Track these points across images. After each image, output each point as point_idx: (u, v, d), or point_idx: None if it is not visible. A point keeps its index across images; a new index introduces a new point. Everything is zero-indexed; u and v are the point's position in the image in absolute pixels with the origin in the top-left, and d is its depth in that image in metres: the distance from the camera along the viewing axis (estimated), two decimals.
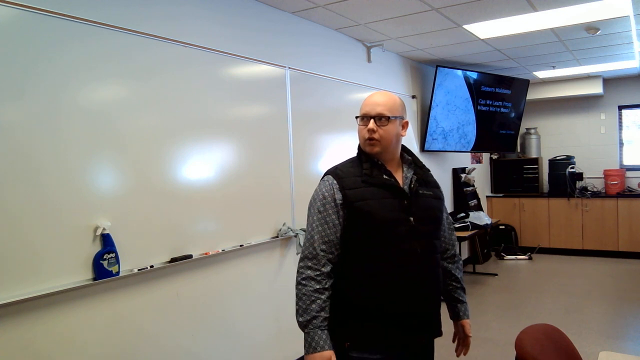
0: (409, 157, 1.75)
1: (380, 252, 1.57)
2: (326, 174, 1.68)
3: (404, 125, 1.71)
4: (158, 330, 2.43)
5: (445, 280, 1.85)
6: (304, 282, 1.55)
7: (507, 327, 4.07)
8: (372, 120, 1.63)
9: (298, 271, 1.58)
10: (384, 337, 1.57)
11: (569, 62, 5.63)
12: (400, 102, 1.70)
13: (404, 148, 1.76)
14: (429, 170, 1.77)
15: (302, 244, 1.64)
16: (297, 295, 1.56)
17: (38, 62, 1.93)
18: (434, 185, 1.76)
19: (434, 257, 1.67)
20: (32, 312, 1.91)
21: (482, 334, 3.95)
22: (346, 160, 1.72)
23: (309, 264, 1.56)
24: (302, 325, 1.53)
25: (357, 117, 1.69)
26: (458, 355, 1.82)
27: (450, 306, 1.89)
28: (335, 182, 1.62)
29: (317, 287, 1.54)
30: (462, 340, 1.86)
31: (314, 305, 1.52)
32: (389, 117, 1.63)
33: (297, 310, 1.55)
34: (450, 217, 1.89)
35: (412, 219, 1.60)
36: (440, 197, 1.75)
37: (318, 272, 1.55)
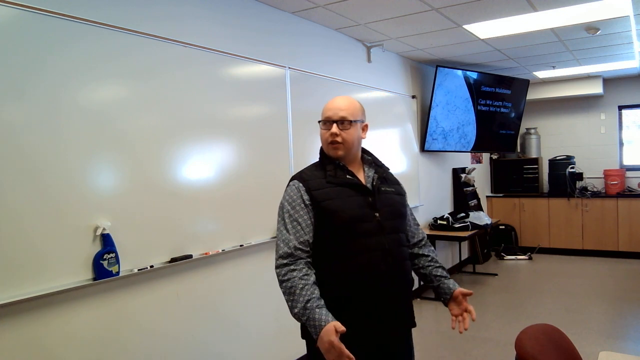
0: (369, 157, 1.81)
1: (349, 249, 1.61)
2: (292, 179, 1.72)
3: (364, 129, 1.78)
4: (158, 330, 2.43)
5: (422, 264, 1.84)
6: (285, 277, 1.56)
7: (507, 327, 4.07)
8: (334, 125, 1.69)
9: (278, 273, 1.59)
10: (358, 332, 1.56)
11: (569, 62, 5.63)
12: (360, 107, 1.76)
13: (363, 149, 1.82)
14: (388, 169, 1.84)
15: (277, 241, 1.65)
16: (284, 292, 1.56)
17: (38, 62, 1.93)
18: (395, 182, 1.83)
19: (401, 249, 1.72)
20: (32, 312, 1.91)
21: (482, 334, 3.95)
22: (310, 165, 1.78)
23: (286, 261, 1.58)
24: (300, 315, 1.51)
25: (319, 122, 1.74)
26: (467, 328, 1.71)
27: (437, 287, 1.80)
28: (301, 185, 1.67)
29: (301, 274, 1.55)
30: (463, 312, 1.73)
31: (304, 291, 1.51)
32: (351, 121, 1.69)
33: (290, 307, 1.54)
34: (413, 213, 1.93)
35: (377, 214, 1.66)
36: (401, 193, 1.83)
37: (297, 264, 1.57)
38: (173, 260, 2.46)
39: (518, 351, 1.52)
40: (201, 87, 2.66)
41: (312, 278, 1.56)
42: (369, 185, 1.72)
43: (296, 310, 1.51)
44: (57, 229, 1.97)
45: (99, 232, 2.10)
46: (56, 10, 1.99)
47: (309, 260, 1.61)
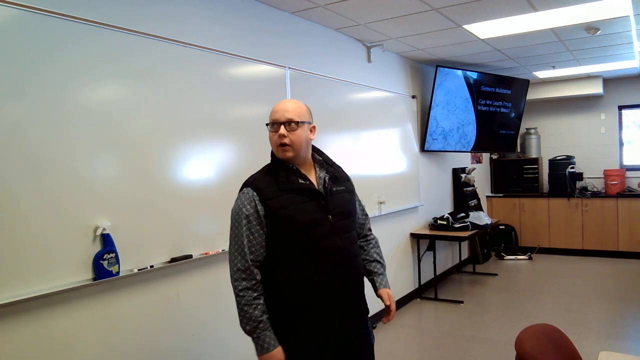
0: (320, 157, 1.85)
1: (307, 253, 1.68)
2: (245, 185, 1.75)
3: (312, 130, 1.81)
4: (158, 330, 2.43)
5: (362, 258, 1.95)
6: (242, 293, 1.65)
7: (507, 327, 4.07)
8: (282, 126, 1.70)
9: (233, 283, 1.68)
10: (320, 328, 1.68)
11: (569, 62, 5.63)
12: (307, 108, 1.80)
13: (314, 148, 1.86)
14: (339, 167, 1.88)
15: (230, 253, 1.70)
16: (238, 305, 1.66)
17: (38, 62, 1.93)
18: (345, 179, 1.88)
19: (353, 246, 1.80)
20: (32, 312, 1.91)
21: (482, 334, 3.95)
22: (262, 170, 1.80)
23: (243, 275, 1.66)
24: (250, 332, 1.64)
25: (267, 124, 1.76)
26: (384, 323, 2.01)
27: (370, 280, 1.95)
28: (255, 194, 1.69)
29: (255, 294, 1.65)
30: (386, 310, 1.91)
31: (256, 312, 1.64)
32: (297, 122, 1.71)
33: (241, 320, 1.65)
34: (360, 201, 1.99)
35: (330, 217, 1.72)
36: (351, 190, 1.89)
37: (253, 282, 1.66)
38: (173, 260, 2.46)
39: (518, 351, 1.52)
40: (201, 87, 2.66)
41: (262, 297, 1.68)
42: (320, 188, 1.76)
43: (248, 328, 1.64)
44: (57, 229, 1.97)
45: (99, 232, 2.11)
46: (56, 10, 1.99)
47: (260, 266, 1.70)
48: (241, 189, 1.75)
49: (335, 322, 1.71)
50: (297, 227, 1.67)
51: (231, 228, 1.72)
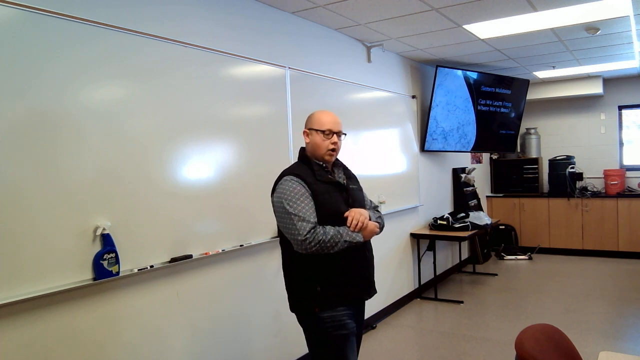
0: (338, 161, 2.19)
1: None
2: (284, 175, 2.03)
3: None
4: (158, 330, 2.43)
5: None
6: (317, 238, 1.87)
7: (507, 327, 4.07)
8: (335, 136, 2.08)
9: (309, 245, 1.87)
10: (346, 294, 2.02)
11: (569, 62, 5.63)
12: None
13: None
14: (349, 170, 2.24)
15: (292, 228, 1.91)
16: (324, 244, 1.88)
17: (39, 62, 1.93)
18: (356, 179, 2.24)
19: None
20: (32, 312, 1.91)
21: (482, 334, 3.95)
22: (293, 166, 2.12)
23: (309, 228, 1.88)
24: (345, 241, 1.92)
25: (313, 130, 2.08)
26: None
27: None
28: (299, 179, 1.99)
29: (321, 230, 1.90)
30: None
31: (331, 232, 1.91)
32: (344, 134, 2.15)
33: (333, 246, 1.90)
34: (367, 196, 2.31)
35: (345, 207, 2.04)
36: (361, 188, 2.24)
37: (323, 228, 1.93)
38: (173, 260, 2.46)
39: (518, 351, 1.52)
40: (201, 87, 2.66)
41: (324, 227, 1.94)
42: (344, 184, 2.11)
43: (344, 240, 1.92)
44: (57, 228, 1.97)
45: (99, 232, 2.11)
46: (56, 10, 1.99)
47: None
48: (281, 178, 2.03)
49: (356, 288, 2.06)
50: (330, 212, 1.97)
51: (285, 209, 1.93)
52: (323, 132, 2.07)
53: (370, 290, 2.13)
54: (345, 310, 2.02)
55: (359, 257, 2.05)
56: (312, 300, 1.99)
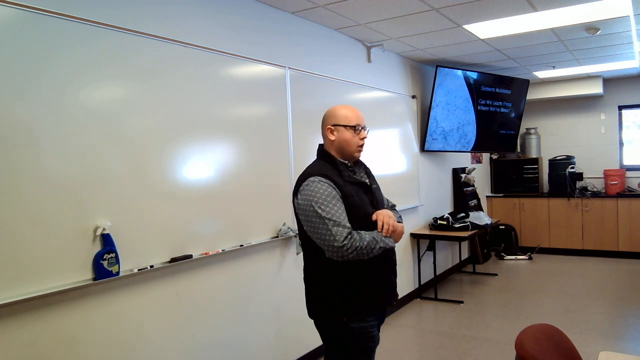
0: (359, 159, 2.07)
1: None
2: (310, 175, 1.87)
3: None
4: (158, 330, 2.43)
5: None
6: (355, 244, 1.75)
7: (507, 327, 4.07)
8: (363, 131, 1.97)
9: (346, 251, 1.74)
10: (377, 300, 1.93)
11: (569, 62, 5.63)
12: None
13: None
14: (368, 168, 2.11)
15: (326, 234, 1.77)
16: (362, 254, 1.77)
17: (39, 62, 1.93)
18: (374, 177, 2.10)
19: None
20: (32, 312, 1.92)
21: (482, 334, 3.95)
22: (317, 165, 1.96)
23: (346, 234, 1.76)
24: (380, 247, 1.82)
25: (344, 126, 1.94)
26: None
27: None
28: (328, 181, 1.84)
29: (358, 235, 1.79)
30: None
31: (367, 237, 1.79)
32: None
33: (369, 252, 1.79)
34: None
35: (374, 210, 1.93)
36: (379, 187, 2.11)
37: (358, 233, 1.81)
38: (173, 260, 2.46)
39: (518, 351, 1.52)
40: (201, 87, 2.66)
41: (359, 233, 1.82)
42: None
43: (378, 247, 1.81)
44: (57, 228, 1.97)
45: (99, 232, 2.11)
46: (56, 10, 1.99)
47: None
48: (306, 179, 1.87)
49: (384, 295, 1.96)
50: (359, 215, 1.86)
51: (316, 213, 1.78)
52: (353, 127, 1.94)
53: (395, 295, 2.03)
54: (374, 321, 1.94)
55: (388, 261, 1.96)
56: (341, 309, 1.88)
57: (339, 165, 1.92)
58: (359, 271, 1.85)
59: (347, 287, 1.86)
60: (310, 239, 1.86)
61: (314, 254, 1.90)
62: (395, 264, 2.02)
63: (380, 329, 2.04)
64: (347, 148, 1.95)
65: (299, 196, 1.87)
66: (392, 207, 2.15)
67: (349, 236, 1.75)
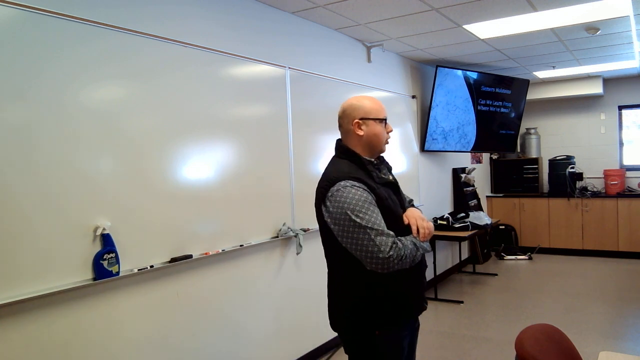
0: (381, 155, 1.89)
1: None
2: (339, 179, 1.67)
3: None
4: (158, 330, 2.43)
5: None
6: (400, 253, 1.60)
7: (507, 327, 4.07)
8: (389, 124, 1.81)
9: (390, 259, 1.58)
10: (410, 311, 1.77)
11: (569, 62, 5.63)
12: None
13: None
14: (388, 163, 1.94)
15: (369, 245, 1.61)
16: (405, 263, 1.63)
17: (38, 62, 1.93)
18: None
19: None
20: (32, 312, 1.92)
21: (482, 334, 3.95)
22: (342, 165, 1.74)
23: (391, 243, 1.60)
24: (420, 253, 1.70)
25: (374, 119, 1.77)
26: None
27: None
28: (362, 184, 1.66)
29: (402, 241, 1.65)
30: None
31: (410, 246, 1.65)
32: None
33: (413, 259, 1.67)
34: None
35: (402, 210, 1.79)
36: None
37: (401, 241, 1.65)
38: (173, 260, 2.46)
39: (518, 351, 1.52)
40: (201, 87, 2.66)
41: (400, 240, 1.67)
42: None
43: (417, 258, 1.69)
44: (57, 228, 1.97)
45: (99, 232, 2.11)
46: (56, 10, 1.99)
47: None
48: (334, 183, 1.67)
49: (418, 302, 1.80)
50: (394, 217, 1.70)
51: (354, 222, 1.60)
52: (383, 120, 1.78)
53: (426, 300, 1.88)
54: (405, 331, 1.78)
55: (422, 265, 1.81)
56: (374, 322, 1.70)
57: (366, 165, 1.73)
58: (395, 280, 1.68)
59: (381, 299, 1.69)
60: (337, 249, 1.68)
61: (343, 265, 1.72)
62: (426, 267, 1.86)
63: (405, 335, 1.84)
64: (377, 143, 1.78)
65: (328, 204, 1.66)
66: (411, 203, 1.96)
67: (394, 245, 1.59)
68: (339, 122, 1.85)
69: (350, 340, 1.78)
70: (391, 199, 1.73)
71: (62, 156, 2.00)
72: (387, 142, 1.82)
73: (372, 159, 1.78)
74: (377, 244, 1.57)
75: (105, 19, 2.18)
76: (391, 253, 1.57)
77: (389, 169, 1.89)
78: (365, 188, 1.65)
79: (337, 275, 1.80)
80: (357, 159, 1.75)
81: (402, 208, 1.79)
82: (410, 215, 1.74)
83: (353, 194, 1.62)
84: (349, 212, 1.60)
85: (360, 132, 1.76)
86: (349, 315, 1.74)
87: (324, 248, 1.81)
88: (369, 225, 1.58)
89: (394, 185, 1.80)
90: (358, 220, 1.59)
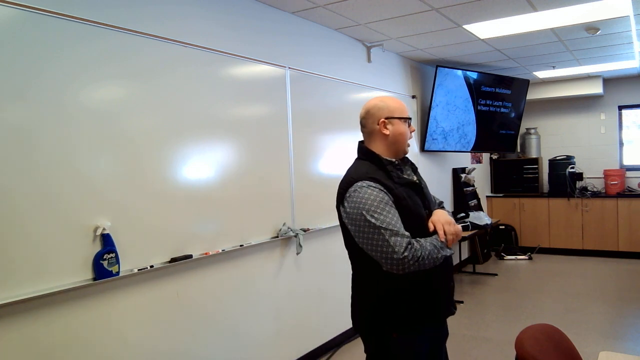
0: (405, 156, 1.88)
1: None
2: (356, 180, 1.67)
3: None
4: (158, 330, 2.43)
5: None
6: (416, 254, 1.58)
7: (507, 327, 4.07)
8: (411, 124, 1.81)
9: (408, 258, 1.56)
10: (433, 313, 1.73)
11: (569, 62, 5.63)
12: None
13: None
14: (414, 164, 1.91)
15: (383, 245, 1.59)
16: (423, 265, 1.60)
17: (38, 62, 1.93)
18: (419, 174, 1.90)
19: None
20: (32, 312, 1.92)
21: (482, 334, 3.95)
22: (361, 167, 1.75)
23: (406, 244, 1.58)
24: (442, 255, 1.65)
25: (399, 118, 1.77)
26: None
27: None
28: (378, 185, 1.65)
29: (417, 244, 1.61)
30: None
31: (428, 247, 1.61)
32: None
33: (435, 261, 1.63)
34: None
35: (427, 211, 1.75)
36: (426, 184, 1.90)
37: (418, 242, 1.63)
38: (173, 260, 2.46)
39: (518, 351, 1.52)
40: (201, 87, 2.66)
41: (419, 241, 1.64)
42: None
43: (438, 260, 1.64)
44: (57, 228, 1.97)
45: (99, 232, 2.11)
46: (56, 10, 1.99)
47: None
48: (351, 184, 1.67)
49: (443, 305, 1.77)
50: (413, 218, 1.68)
51: (369, 223, 1.60)
52: (407, 119, 1.79)
53: (454, 303, 1.85)
54: (426, 336, 1.75)
55: (447, 266, 1.76)
56: (391, 323, 1.69)
57: (386, 165, 1.72)
58: (416, 281, 1.66)
59: (400, 300, 1.68)
60: (357, 249, 1.69)
61: (364, 266, 1.72)
62: (452, 269, 1.84)
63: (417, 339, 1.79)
64: (402, 142, 1.78)
65: (345, 204, 1.67)
66: (441, 205, 1.93)
67: (409, 246, 1.57)
68: (361, 124, 1.83)
69: (368, 341, 1.78)
70: (411, 199, 1.70)
71: (62, 156, 2.00)
72: (409, 142, 1.82)
73: (394, 160, 1.77)
74: (391, 245, 1.57)
75: (106, 19, 2.18)
76: (406, 254, 1.56)
77: (414, 169, 1.87)
78: (382, 188, 1.64)
79: (357, 276, 1.81)
80: (377, 160, 1.74)
81: (427, 209, 1.76)
82: (436, 220, 1.70)
83: (369, 194, 1.62)
84: (364, 213, 1.60)
85: (386, 131, 1.76)
86: (367, 315, 1.74)
87: (346, 249, 1.80)
88: (384, 226, 1.58)
89: (416, 186, 1.76)
90: (373, 220, 1.59)
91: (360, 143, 1.85)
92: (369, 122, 1.79)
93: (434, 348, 1.81)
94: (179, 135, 2.52)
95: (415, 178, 1.81)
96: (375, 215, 1.59)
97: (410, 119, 1.81)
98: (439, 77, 5.13)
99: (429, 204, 1.79)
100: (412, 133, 1.82)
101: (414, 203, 1.70)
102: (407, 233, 1.60)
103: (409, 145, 1.82)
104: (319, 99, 3.63)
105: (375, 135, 1.78)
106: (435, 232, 1.68)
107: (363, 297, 1.77)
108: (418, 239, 1.63)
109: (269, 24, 3.23)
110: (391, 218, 1.60)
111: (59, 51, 2.00)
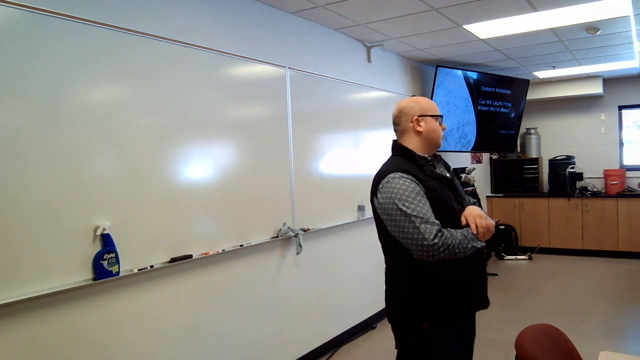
0: (438, 154, 1.95)
1: None
2: (389, 172, 1.74)
3: None
4: (158, 331, 2.43)
5: None
6: (447, 242, 1.61)
7: (507, 327, 4.07)
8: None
9: (437, 245, 1.60)
10: (465, 305, 1.76)
11: (569, 62, 5.63)
12: None
13: None
14: (447, 162, 1.98)
15: (414, 232, 1.64)
16: (453, 253, 1.62)
17: (38, 62, 1.93)
18: (453, 173, 1.96)
19: None
20: (32, 312, 1.92)
21: (482, 334, 3.94)
22: (394, 161, 1.83)
23: (436, 231, 1.62)
24: (473, 246, 1.68)
25: (431, 116, 1.85)
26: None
27: None
28: (410, 176, 1.71)
29: (448, 234, 1.64)
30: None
31: (459, 236, 1.65)
32: None
33: (464, 251, 1.65)
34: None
35: (459, 206, 1.79)
36: (460, 183, 1.94)
37: (448, 231, 1.67)
38: (173, 260, 2.46)
39: (518, 351, 1.52)
40: (201, 87, 2.66)
41: (449, 231, 1.68)
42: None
43: (468, 250, 1.66)
44: (57, 229, 1.97)
45: (99, 232, 2.11)
46: (55, 9, 1.99)
47: None
48: (384, 176, 1.75)
49: (476, 297, 1.80)
50: (445, 210, 1.72)
51: (401, 211, 1.65)
52: (438, 117, 1.87)
53: (487, 298, 1.86)
54: (458, 328, 1.78)
55: (480, 260, 1.80)
56: (422, 313, 1.72)
57: (419, 160, 1.79)
58: (447, 270, 1.69)
59: (431, 289, 1.72)
60: (391, 240, 1.74)
61: (396, 255, 1.77)
62: (485, 264, 1.86)
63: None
64: (436, 138, 1.86)
65: (378, 195, 1.75)
66: (475, 203, 1.96)
67: (439, 233, 1.61)
68: (394, 122, 1.91)
69: (399, 332, 1.82)
70: (443, 192, 1.75)
71: (62, 156, 2.00)
72: (442, 139, 1.89)
73: (426, 155, 1.84)
74: (421, 232, 1.61)
75: (105, 18, 2.18)
76: (436, 240, 1.60)
77: (447, 167, 1.94)
78: (414, 179, 1.70)
79: (390, 266, 1.86)
80: (410, 155, 1.81)
81: (460, 204, 1.80)
82: (469, 214, 1.74)
83: (401, 184, 1.69)
84: (396, 202, 1.66)
85: (420, 129, 1.84)
86: (398, 304, 1.79)
87: (380, 241, 1.86)
88: (414, 214, 1.63)
89: (448, 180, 1.81)
90: (404, 208, 1.64)
91: (394, 141, 1.93)
92: (402, 120, 1.87)
93: (464, 348, 1.83)
94: (179, 134, 2.52)
95: (447, 174, 1.88)
96: (407, 204, 1.65)
97: (441, 116, 1.89)
98: (439, 77, 5.13)
99: (461, 200, 1.83)
100: (444, 131, 1.90)
101: (445, 196, 1.75)
102: (437, 221, 1.64)
103: (443, 138, 1.89)
104: (319, 99, 3.63)
105: (409, 133, 1.86)
106: (467, 226, 1.71)
107: (395, 287, 1.82)
108: (449, 228, 1.66)
109: (269, 24, 3.23)
110: (422, 207, 1.65)
111: (58, 51, 2.00)
